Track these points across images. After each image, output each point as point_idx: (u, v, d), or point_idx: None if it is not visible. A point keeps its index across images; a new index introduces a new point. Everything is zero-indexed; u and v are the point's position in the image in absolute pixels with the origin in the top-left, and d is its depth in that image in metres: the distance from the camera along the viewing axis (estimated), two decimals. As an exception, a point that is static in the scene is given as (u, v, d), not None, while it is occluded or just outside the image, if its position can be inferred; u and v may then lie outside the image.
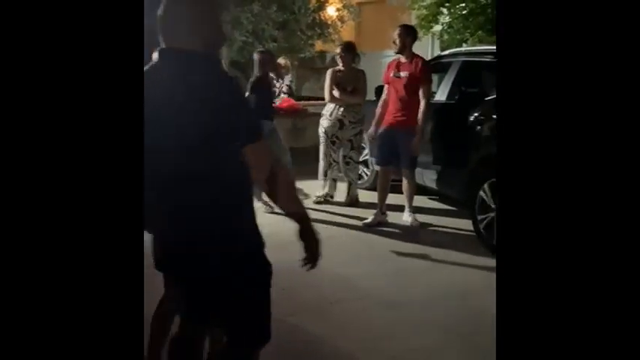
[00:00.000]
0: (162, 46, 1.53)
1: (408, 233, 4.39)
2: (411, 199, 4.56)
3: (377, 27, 10.34)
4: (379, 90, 4.98)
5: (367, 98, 5.16)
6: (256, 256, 1.64)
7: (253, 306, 1.65)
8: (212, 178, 1.48)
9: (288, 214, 1.59)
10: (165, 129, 1.44)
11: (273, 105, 5.37)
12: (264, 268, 1.66)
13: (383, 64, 6.07)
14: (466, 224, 4.33)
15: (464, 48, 6.20)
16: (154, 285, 3.10)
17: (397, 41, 4.37)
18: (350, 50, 5.04)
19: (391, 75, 4.47)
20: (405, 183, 4.53)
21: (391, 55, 4.91)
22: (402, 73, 4.38)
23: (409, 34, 4.41)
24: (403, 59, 4.42)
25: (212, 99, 1.42)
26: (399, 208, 4.67)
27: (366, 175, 5.71)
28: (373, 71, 6.22)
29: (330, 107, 5.13)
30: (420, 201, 4.76)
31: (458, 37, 7.42)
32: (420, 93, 4.32)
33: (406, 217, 4.55)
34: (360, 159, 5.51)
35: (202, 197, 1.49)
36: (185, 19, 1.50)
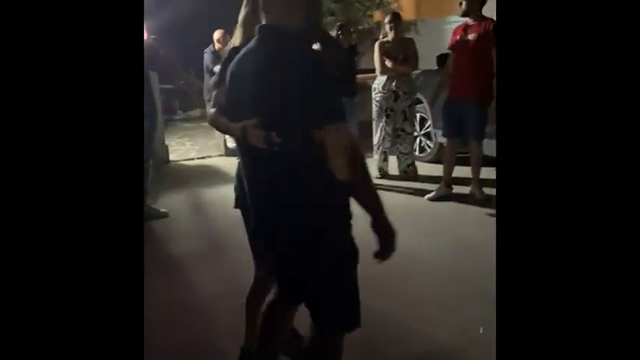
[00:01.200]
0: (263, 22, 1.55)
1: (473, 206, 4.26)
2: (477, 172, 4.39)
3: (438, -7, 9.96)
4: (441, 58, 4.81)
5: (428, 67, 5.00)
6: (347, 234, 1.62)
7: (343, 285, 1.63)
8: (306, 152, 1.45)
9: (361, 204, 1.52)
10: (262, 105, 1.47)
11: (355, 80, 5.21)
12: (353, 248, 1.64)
13: (445, 31, 5.86)
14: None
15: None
16: (154, 285, 3.22)
17: (463, 3, 4.10)
18: (397, 19, 4.89)
19: (457, 39, 4.19)
20: (472, 156, 4.36)
21: (454, 21, 4.71)
22: (470, 36, 4.09)
23: None
24: (471, 22, 4.13)
25: (308, 75, 1.41)
26: (466, 182, 4.54)
27: (429, 147, 5.59)
28: (434, 39, 6.03)
29: (381, 80, 5.02)
30: (487, 172, 4.59)
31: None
32: (493, 53, 3.95)
33: (473, 190, 4.41)
34: (422, 131, 5.39)
35: (298, 169, 1.50)
36: None
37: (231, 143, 6.26)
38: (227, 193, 4.95)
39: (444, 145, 4.57)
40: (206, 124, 8.35)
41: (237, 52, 1.66)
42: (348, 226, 1.61)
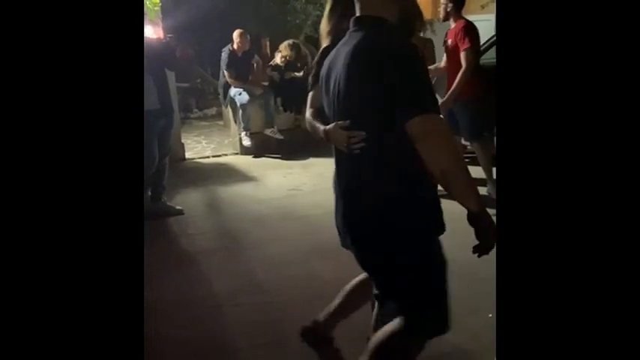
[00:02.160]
0: (358, 14, 1.57)
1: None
2: (487, 170, 4.28)
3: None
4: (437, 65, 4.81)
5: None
6: (435, 237, 1.59)
7: (432, 288, 1.60)
8: (394, 146, 1.45)
9: (456, 197, 1.46)
10: (353, 97, 1.50)
11: None
12: (440, 250, 1.61)
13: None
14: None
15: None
16: (168, 281, 3.22)
17: (441, 8, 4.17)
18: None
19: (443, 42, 4.29)
20: (478, 156, 4.28)
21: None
22: (449, 41, 4.18)
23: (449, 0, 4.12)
24: (451, 26, 4.19)
25: (408, 65, 1.41)
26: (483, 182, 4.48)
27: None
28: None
29: None
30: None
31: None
32: (461, 56, 3.99)
33: (488, 190, 4.33)
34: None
35: (382, 169, 1.51)
36: None
37: (247, 142, 6.29)
38: (242, 191, 5.00)
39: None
40: (222, 122, 8.40)
41: (328, 52, 1.67)
42: (441, 223, 1.58)
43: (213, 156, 6.65)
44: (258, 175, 5.53)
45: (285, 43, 6.74)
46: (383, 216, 1.52)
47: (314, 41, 8.18)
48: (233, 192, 4.99)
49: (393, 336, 1.61)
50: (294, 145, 6.23)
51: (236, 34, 6.33)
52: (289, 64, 6.59)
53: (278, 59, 6.64)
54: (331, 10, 1.97)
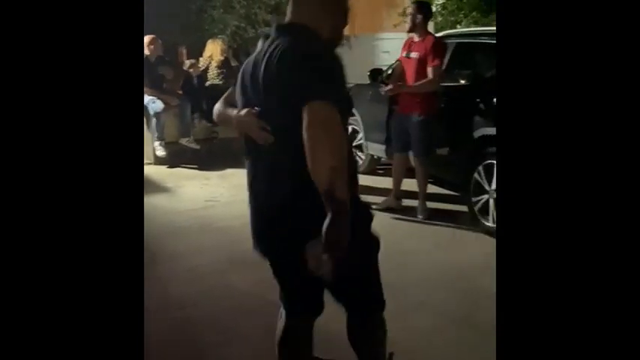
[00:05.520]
0: (286, 21, 1.60)
1: (413, 218, 4.32)
2: (422, 187, 4.37)
3: (370, 8, 10.23)
4: (374, 73, 4.92)
5: (360, 82, 5.10)
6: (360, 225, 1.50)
7: (368, 272, 1.69)
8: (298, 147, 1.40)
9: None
10: (267, 95, 1.51)
11: None
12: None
13: (377, 46, 6.03)
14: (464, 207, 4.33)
15: (458, 29, 6.16)
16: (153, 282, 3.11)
17: (408, 19, 4.23)
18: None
19: (403, 55, 4.31)
20: (417, 171, 4.37)
21: (386, 37, 4.84)
22: (413, 54, 4.20)
23: (420, 12, 4.19)
24: (416, 38, 4.24)
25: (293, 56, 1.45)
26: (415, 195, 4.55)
27: (361, 159, 5.70)
28: (366, 55, 6.15)
29: None
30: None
31: (452, 18, 7.37)
32: (428, 71, 4.09)
33: (419, 205, 4.39)
34: (355, 143, 5.49)
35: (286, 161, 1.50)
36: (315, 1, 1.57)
37: (160, 152, 6.09)
38: (156, 202, 4.82)
39: (393, 159, 4.61)
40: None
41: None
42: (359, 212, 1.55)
43: (126, 166, 6.37)
44: (174, 186, 5.38)
45: (213, 40, 6.64)
46: (287, 218, 1.53)
47: (233, 51, 8.13)
48: (147, 203, 4.81)
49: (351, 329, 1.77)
50: (210, 156, 6.12)
51: (147, 39, 6.09)
52: (211, 69, 6.50)
53: (203, 60, 6.53)
54: None
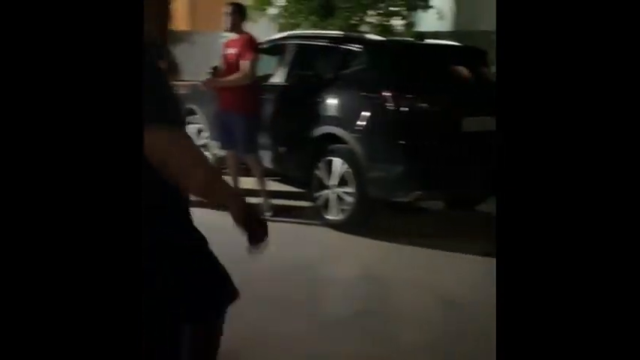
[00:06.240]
0: None
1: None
2: (262, 184, 4.45)
3: (213, 7, 10.10)
4: (216, 69, 4.89)
5: (201, 79, 5.03)
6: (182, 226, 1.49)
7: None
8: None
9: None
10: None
11: None
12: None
13: (219, 44, 5.96)
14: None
15: (299, 31, 6.36)
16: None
17: (227, 19, 4.33)
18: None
19: (223, 53, 4.41)
20: (252, 168, 4.44)
21: (226, 36, 4.84)
22: (230, 50, 4.33)
23: (237, 12, 4.35)
24: (235, 37, 4.38)
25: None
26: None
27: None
28: (208, 52, 6.09)
29: None
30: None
31: (292, 20, 7.59)
32: (241, 65, 4.21)
33: (262, 202, 4.43)
34: (201, 142, 5.40)
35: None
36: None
37: None
38: None
39: (225, 157, 4.62)
40: None
41: None
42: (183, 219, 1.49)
43: None
44: None
45: None
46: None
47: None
48: None
49: None
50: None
51: None
52: None
53: None
54: None
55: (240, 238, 1.46)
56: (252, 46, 4.28)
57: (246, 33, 4.38)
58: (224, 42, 4.53)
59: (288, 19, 7.65)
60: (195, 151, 1.40)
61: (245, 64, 4.21)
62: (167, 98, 1.34)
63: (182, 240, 1.48)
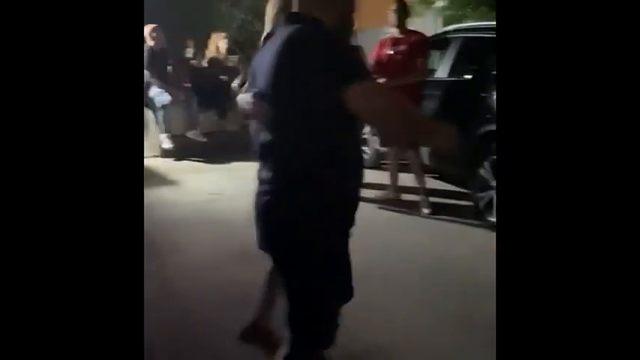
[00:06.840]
0: (294, 10, 1.58)
1: (412, 211, 4.37)
2: (420, 181, 4.41)
3: (377, 3, 10.17)
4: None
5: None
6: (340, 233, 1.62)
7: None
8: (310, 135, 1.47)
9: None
10: (279, 84, 1.48)
11: None
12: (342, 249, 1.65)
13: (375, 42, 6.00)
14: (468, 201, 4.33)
15: (465, 24, 6.12)
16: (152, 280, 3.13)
17: (393, 16, 4.32)
18: None
19: (386, 52, 4.38)
20: (410, 165, 4.43)
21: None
22: (398, 48, 4.31)
23: (402, 9, 4.32)
24: (398, 35, 4.34)
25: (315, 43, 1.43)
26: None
27: (368, 153, 5.70)
28: (372, 49, 6.13)
29: None
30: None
31: (459, 12, 7.34)
32: (418, 63, 4.21)
33: (421, 202, 4.43)
34: (363, 137, 5.49)
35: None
36: None
37: (167, 144, 6.12)
38: (161, 195, 4.85)
39: (386, 152, 4.70)
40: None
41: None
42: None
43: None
44: (179, 179, 5.40)
45: (218, 34, 6.64)
46: (290, 215, 1.51)
47: (240, 44, 8.13)
48: (152, 196, 4.84)
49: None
50: (217, 149, 6.14)
51: (148, 28, 5.99)
52: (217, 62, 6.50)
53: (211, 49, 6.53)
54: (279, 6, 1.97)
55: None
56: (425, 44, 4.30)
57: (416, 32, 4.37)
58: (382, 40, 4.49)
59: (455, 10, 7.40)
60: (394, 95, 1.50)
61: (421, 61, 4.23)
62: (360, 61, 1.52)
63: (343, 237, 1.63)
